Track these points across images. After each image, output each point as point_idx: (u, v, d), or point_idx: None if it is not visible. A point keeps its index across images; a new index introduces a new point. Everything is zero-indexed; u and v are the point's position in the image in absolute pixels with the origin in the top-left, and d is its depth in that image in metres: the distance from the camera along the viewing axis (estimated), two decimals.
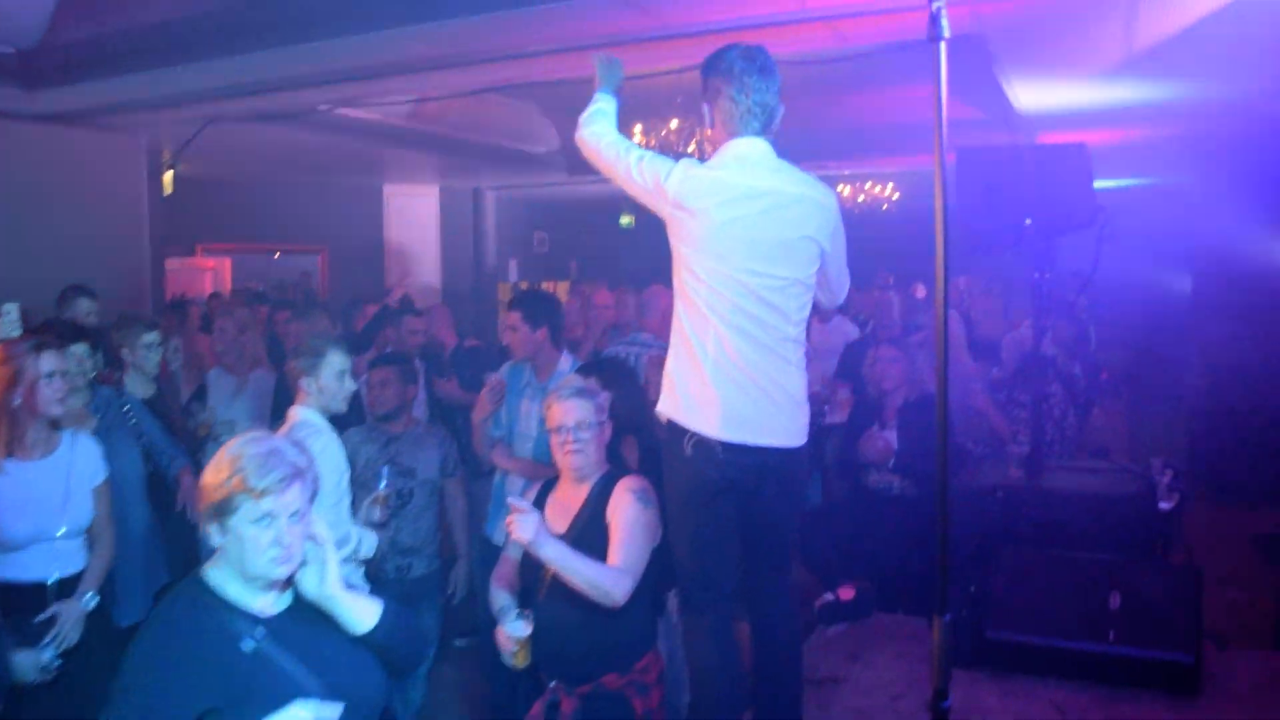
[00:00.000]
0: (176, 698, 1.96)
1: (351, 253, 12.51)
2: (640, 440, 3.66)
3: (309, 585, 2.19)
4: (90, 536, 3.52)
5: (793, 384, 3.05)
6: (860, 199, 12.55)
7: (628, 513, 3.07)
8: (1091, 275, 4.61)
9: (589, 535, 3.10)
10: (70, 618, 3.35)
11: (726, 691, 3.09)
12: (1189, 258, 9.81)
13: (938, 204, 2.30)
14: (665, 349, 4.79)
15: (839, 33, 5.17)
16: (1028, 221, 4.44)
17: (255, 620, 2.13)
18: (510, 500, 2.99)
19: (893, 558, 4.41)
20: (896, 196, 12.80)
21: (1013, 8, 4.86)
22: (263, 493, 2.08)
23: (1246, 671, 3.60)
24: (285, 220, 12.02)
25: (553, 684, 3.07)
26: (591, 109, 3.23)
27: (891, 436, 4.82)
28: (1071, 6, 5.03)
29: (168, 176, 9.21)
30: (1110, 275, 4.75)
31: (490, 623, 3.18)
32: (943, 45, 2.26)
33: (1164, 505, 3.99)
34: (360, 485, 3.89)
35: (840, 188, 12.22)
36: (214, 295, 9.93)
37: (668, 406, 3.04)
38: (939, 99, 2.27)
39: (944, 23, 2.24)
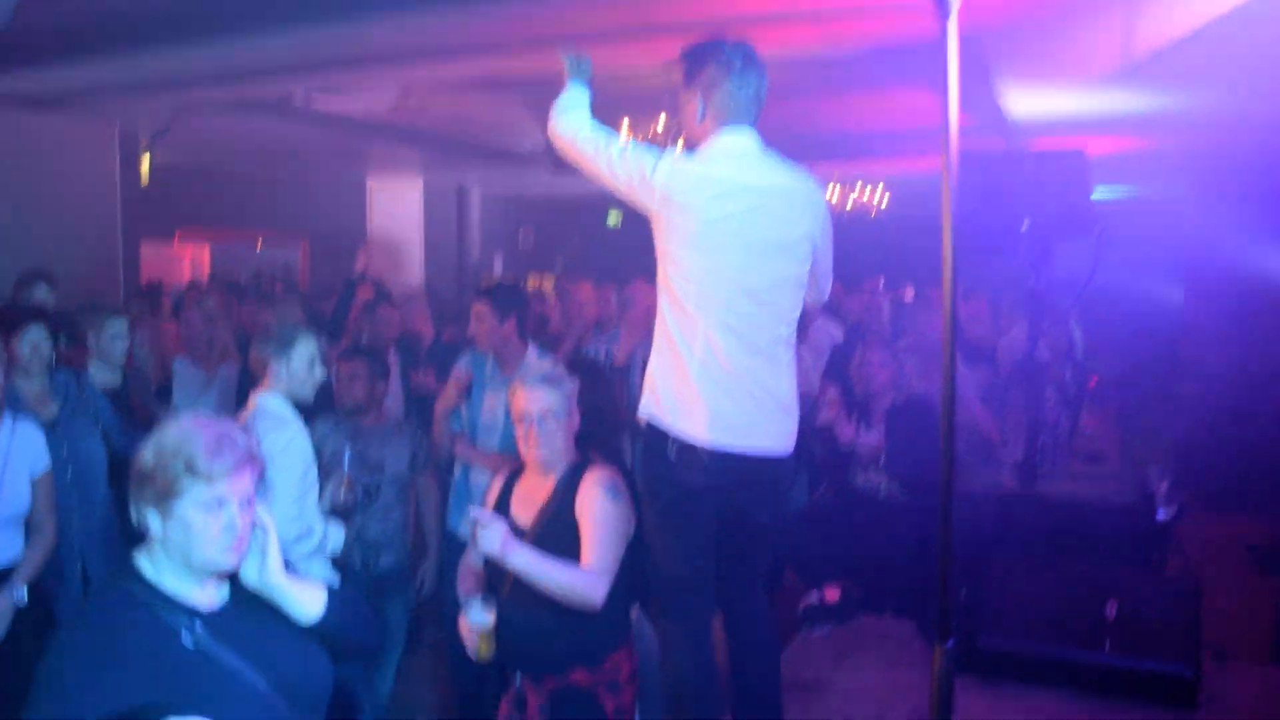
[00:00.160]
0: (102, 693, 1.80)
1: (333, 244, 12.33)
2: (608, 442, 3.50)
3: (250, 573, 2.05)
4: (28, 528, 3.36)
5: (782, 388, 2.93)
6: (850, 203, 12.45)
7: (598, 508, 2.91)
8: (1088, 282, 4.54)
9: (557, 529, 2.94)
10: None
11: (705, 698, 2.96)
12: (1181, 267, 9.77)
13: (945, 197, 2.17)
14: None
15: (829, 32, 5.06)
16: (1024, 225, 4.37)
17: (194, 613, 1.98)
18: (472, 511, 2.82)
19: (879, 559, 4.31)
20: (886, 200, 12.71)
21: (1008, 10, 4.76)
22: (214, 476, 1.94)
23: (1245, 685, 3.51)
24: (266, 210, 11.86)
25: (519, 680, 2.97)
26: (564, 99, 3.08)
27: (875, 436, 4.73)
28: (1069, 10, 4.93)
29: (145, 164, 9.03)
30: (1102, 282, 4.68)
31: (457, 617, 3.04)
32: (953, 20, 2.14)
33: (1161, 514, 3.89)
34: (326, 476, 3.74)
35: (830, 189, 12.11)
36: (191, 284, 9.75)
37: (649, 408, 2.90)
38: (949, 81, 2.14)
39: None
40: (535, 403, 2.97)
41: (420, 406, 5.71)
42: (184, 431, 1.99)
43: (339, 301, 6.39)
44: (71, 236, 6.91)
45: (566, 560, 2.81)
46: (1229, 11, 4.42)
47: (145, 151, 8.54)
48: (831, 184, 11.88)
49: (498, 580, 2.97)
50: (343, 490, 3.55)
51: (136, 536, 2.03)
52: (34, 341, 3.85)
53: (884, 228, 12.45)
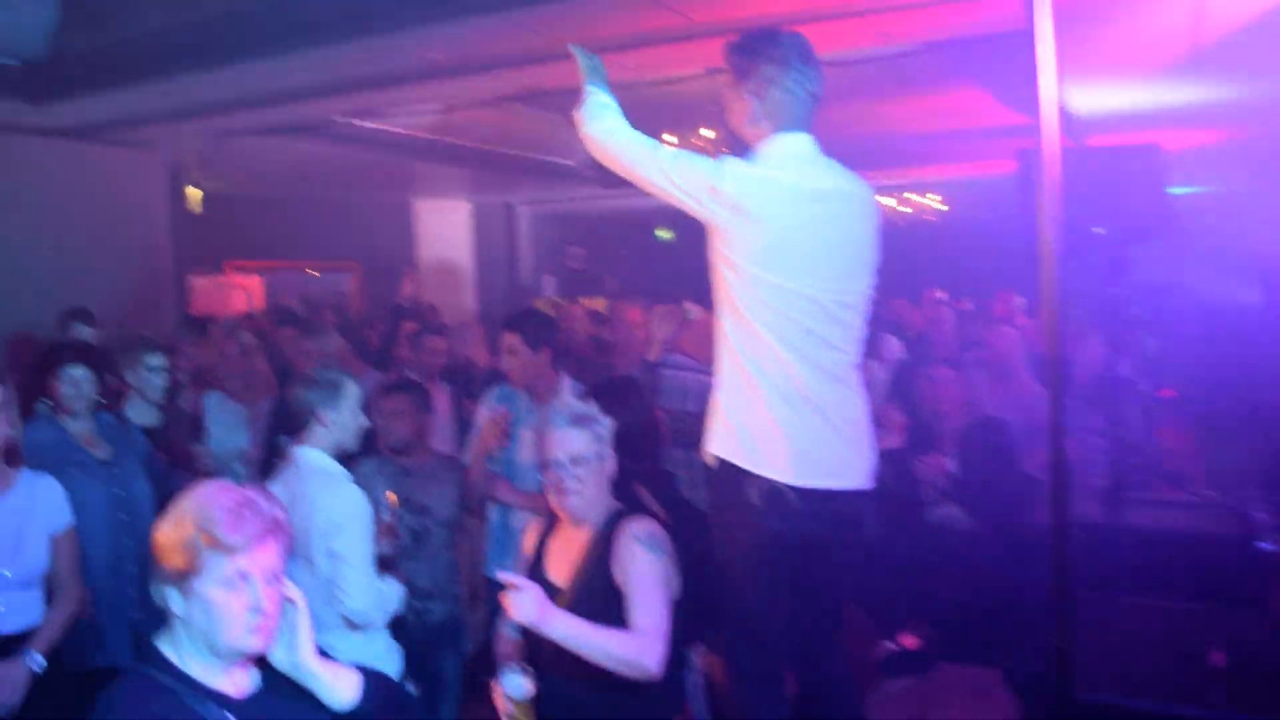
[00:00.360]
0: None
1: (384, 269, 12.27)
2: (654, 476, 3.25)
3: (279, 655, 1.91)
4: (49, 588, 3.19)
5: (861, 415, 2.70)
6: (905, 210, 12.13)
7: (639, 566, 2.62)
8: (1166, 286, 4.24)
9: (595, 589, 2.66)
10: (8, 682, 2.98)
11: None
12: (1259, 269, 9.28)
13: (1042, 201, 1.93)
14: (708, 373, 4.46)
15: (881, 31, 4.81)
16: (1098, 230, 4.09)
17: (223, 701, 1.84)
18: (501, 575, 2.54)
19: (958, 600, 4.01)
20: (940, 206, 12.36)
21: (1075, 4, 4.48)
22: (237, 549, 1.78)
23: None
24: (317, 237, 11.81)
25: None
26: (590, 102, 2.79)
27: (949, 463, 4.43)
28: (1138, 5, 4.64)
29: (195, 194, 9.03)
30: (1173, 284, 4.38)
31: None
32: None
33: (1265, 546, 3.56)
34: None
35: (882, 198, 11.80)
36: (248, 316, 9.71)
37: (722, 445, 2.64)
38: (1042, 71, 1.90)
39: None
40: (563, 447, 2.70)
41: None
42: (203, 501, 1.84)
43: (385, 329, 6.25)
44: (120, 268, 6.92)
45: (611, 624, 2.53)
46: None
47: (194, 182, 8.53)
48: (884, 192, 11.60)
49: (537, 647, 2.68)
50: (384, 541, 3.26)
51: None
52: (75, 379, 3.72)
53: (938, 235, 12.07)
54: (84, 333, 5.24)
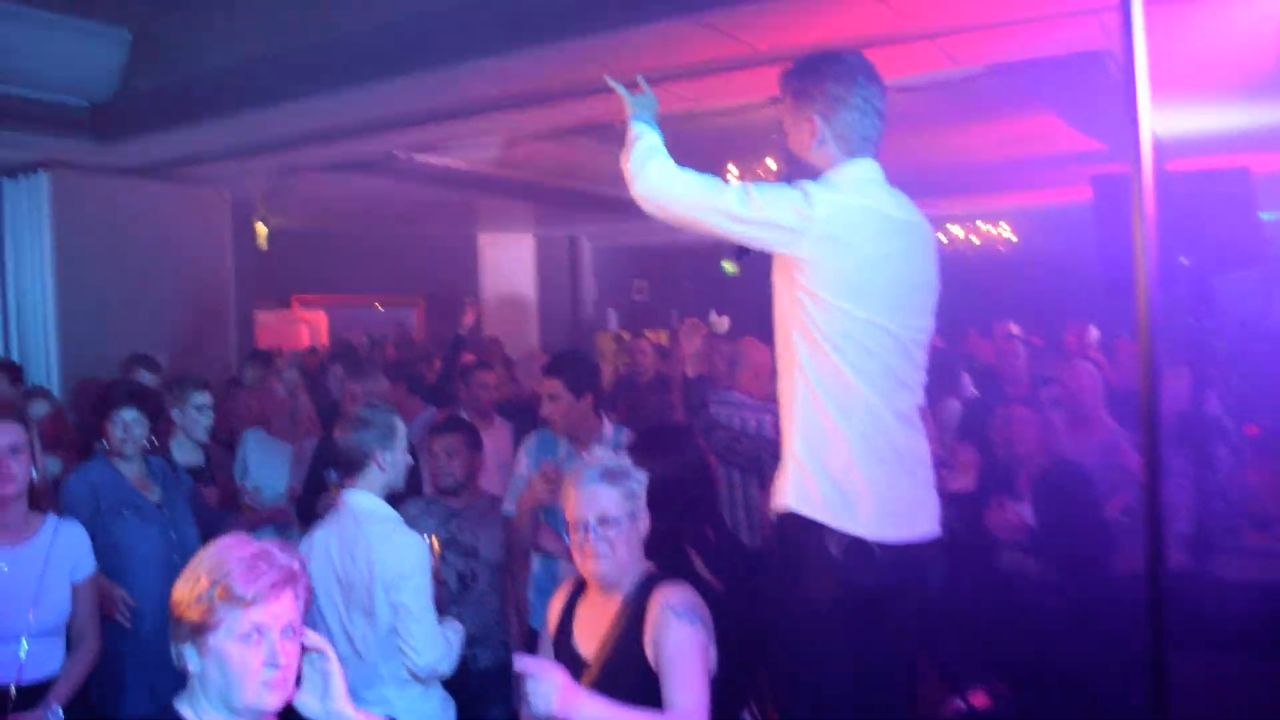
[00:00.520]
0: None
1: (448, 303, 12.33)
2: (703, 534, 3.01)
3: (310, 705, 1.86)
4: (70, 637, 3.11)
5: (927, 458, 2.53)
6: (971, 240, 11.84)
7: (675, 639, 2.35)
8: (1256, 317, 3.99)
9: (626, 664, 2.41)
10: None
11: None
12: None
13: (1137, 231, 1.76)
14: (769, 410, 4.27)
15: (949, 54, 4.63)
16: (1183, 260, 3.88)
17: None
18: (517, 662, 2.27)
19: (1031, 655, 3.77)
20: (1008, 236, 12.04)
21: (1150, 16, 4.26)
22: (250, 601, 1.73)
23: None
24: (381, 271, 11.93)
25: None
26: (639, 147, 2.53)
27: (1025, 510, 4.18)
28: (1218, 13, 4.39)
29: (262, 230, 9.15)
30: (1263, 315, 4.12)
31: None
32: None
33: None
34: None
35: (949, 228, 11.56)
36: (311, 350, 9.79)
37: (799, 500, 2.43)
38: (1136, 90, 1.74)
39: None
40: (591, 506, 2.45)
41: None
42: (218, 554, 1.79)
43: (445, 363, 6.20)
44: (185, 303, 7.00)
45: (646, 708, 2.29)
46: None
47: (259, 217, 8.64)
48: (952, 221, 11.36)
49: None
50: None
51: None
52: (125, 422, 3.72)
53: (1008, 266, 11.73)
54: (145, 376, 5.24)
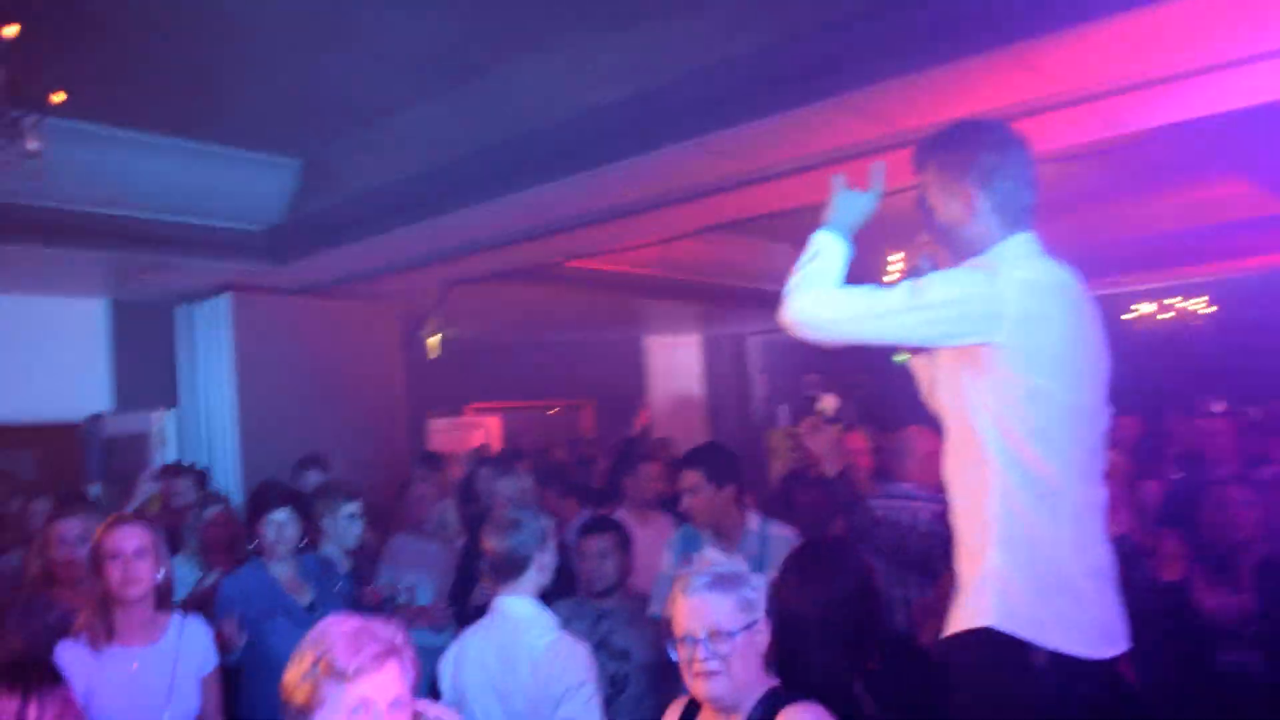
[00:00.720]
0: None
1: (617, 405, 12.43)
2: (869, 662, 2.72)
3: None
4: None
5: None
6: (1167, 315, 11.08)
7: None
8: None
9: None
10: None
11: None
12: None
13: None
14: (939, 501, 3.98)
15: (1110, 119, 4.32)
16: None
17: None
18: None
19: None
20: (1210, 310, 11.20)
21: None
22: (354, 674, 1.71)
23: None
24: (551, 376, 12.12)
25: None
26: (808, 268, 2.29)
27: (1244, 601, 3.74)
28: None
29: (433, 340, 9.47)
30: None
31: None
32: None
33: None
34: None
35: (1138, 306, 10.89)
36: (480, 448, 9.98)
37: (1000, 614, 2.14)
38: None
39: None
40: (699, 617, 2.18)
41: None
42: (322, 632, 1.79)
43: (615, 463, 6.17)
44: (358, 411, 7.25)
45: None
46: None
47: (430, 329, 8.94)
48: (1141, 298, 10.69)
49: None
50: None
51: None
52: (278, 523, 3.82)
53: (1205, 339, 10.90)
54: (315, 476, 5.44)
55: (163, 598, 3.16)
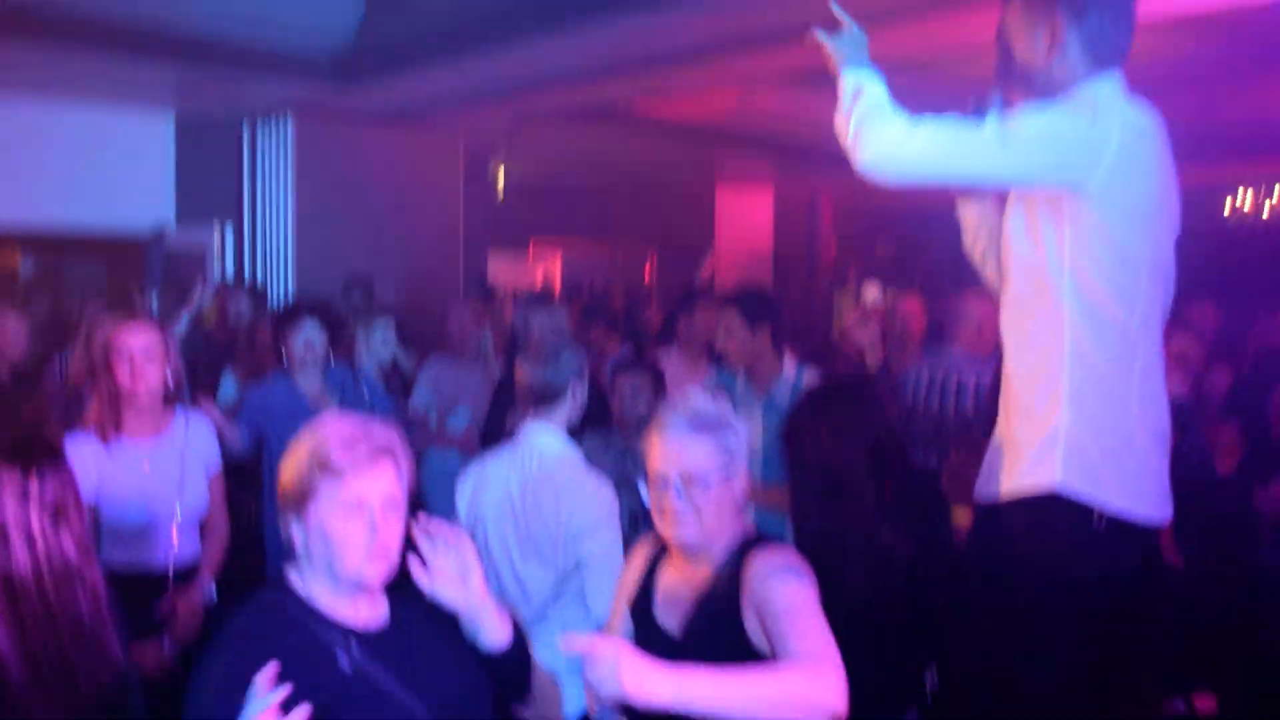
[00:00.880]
0: None
1: (681, 254, 12.31)
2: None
3: (453, 592, 1.84)
4: (204, 526, 3.29)
5: None
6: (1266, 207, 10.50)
7: (783, 595, 1.92)
8: None
9: (720, 641, 1.99)
10: (190, 609, 3.13)
11: None
12: None
13: None
14: (988, 368, 3.86)
15: None
16: None
17: (350, 633, 1.80)
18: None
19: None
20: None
21: None
22: (348, 471, 1.75)
23: None
24: (617, 219, 12.02)
25: None
26: (859, 106, 2.10)
27: None
28: None
29: (499, 177, 9.39)
30: None
31: None
32: None
33: None
34: None
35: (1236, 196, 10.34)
36: (543, 288, 10.01)
37: (1067, 474, 2.09)
38: None
39: None
40: (675, 461, 2.03)
41: None
42: (316, 429, 1.83)
43: (675, 307, 6.19)
44: (416, 242, 7.24)
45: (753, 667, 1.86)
46: None
47: (496, 164, 8.85)
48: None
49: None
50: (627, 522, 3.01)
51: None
52: (307, 337, 3.87)
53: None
54: (358, 298, 5.47)
55: (170, 396, 3.23)
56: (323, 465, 1.75)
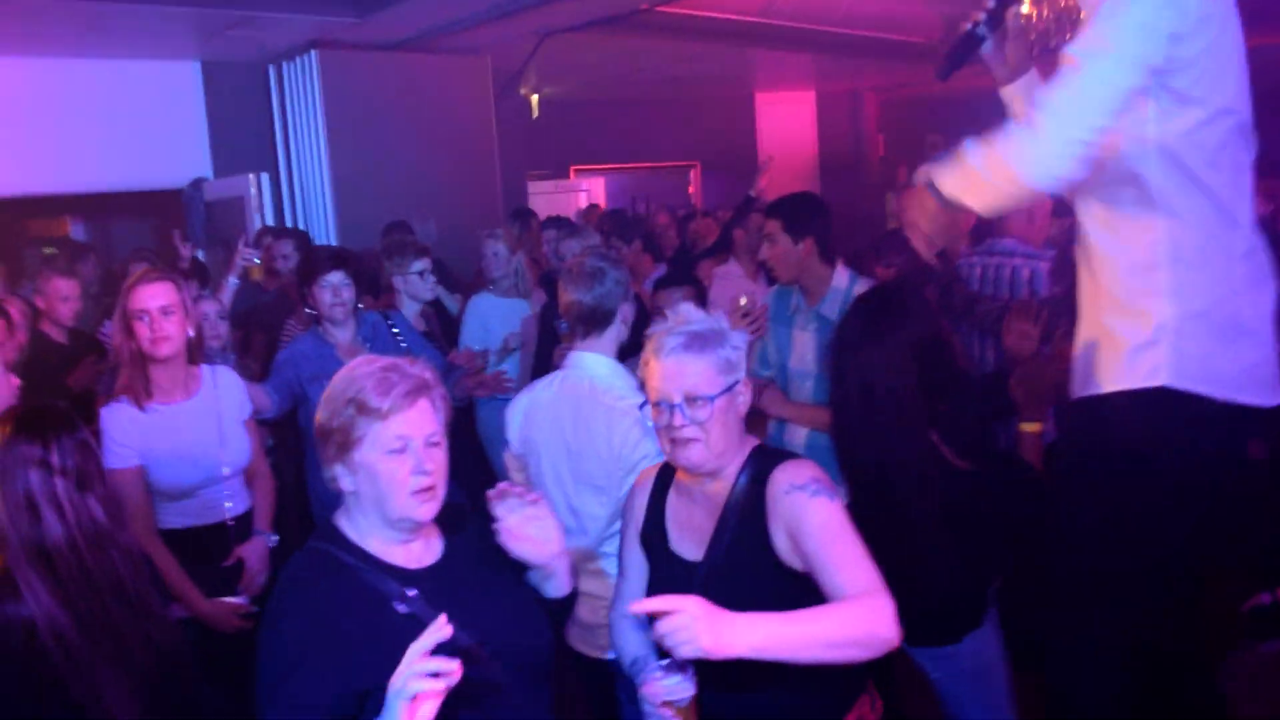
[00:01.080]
0: (335, 686, 1.66)
1: (723, 167, 12.12)
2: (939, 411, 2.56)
3: (532, 552, 1.90)
4: (246, 474, 3.29)
5: None
6: None
7: (819, 519, 1.91)
8: None
9: (747, 562, 1.97)
10: (257, 558, 3.16)
11: None
12: None
13: None
14: (1042, 258, 3.69)
15: None
16: None
17: (404, 576, 1.82)
18: (633, 609, 1.79)
19: None
20: None
21: None
22: (389, 413, 1.76)
23: None
24: (657, 137, 11.85)
25: None
26: (973, 159, 2.06)
27: None
28: None
29: (533, 99, 9.20)
30: None
31: None
32: None
33: None
34: None
35: None
36: (591, 207, 9.88)
37: (1166, 371, 2.03)
38: None
39: None
40: (675, 379, 1.97)
41: None
42: (350, 374, 1.83)
43: (729, 223, 6.16)
44: (450, 170, 7.11)
45: (786, 605, 1.82)
46: None
47: (530, 84, 8.65)
48: None
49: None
50: None
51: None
52: (334, 285, 3.75)
53: None
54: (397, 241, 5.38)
55: (194, 352, 3.18)
56: (363, 409, 1.76)
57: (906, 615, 1.81)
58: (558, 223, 5.96)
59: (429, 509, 1.81)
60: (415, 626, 1.72)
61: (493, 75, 7.56)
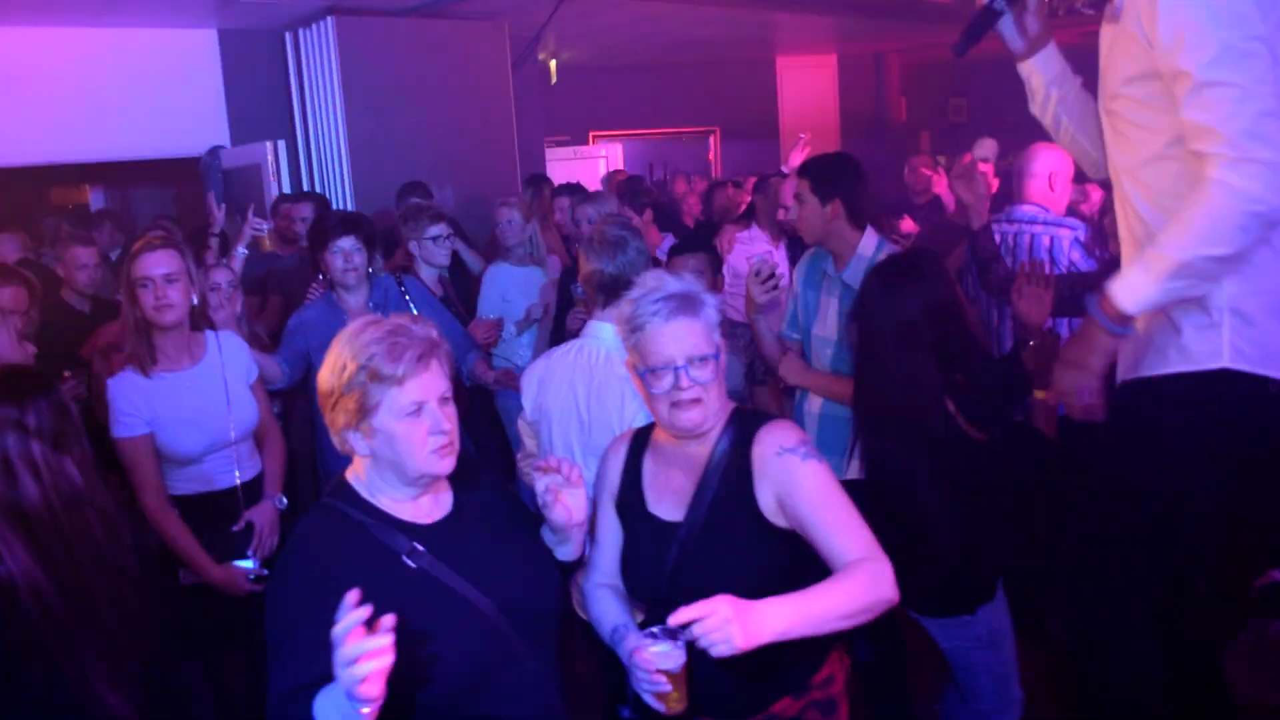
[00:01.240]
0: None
1: (744, 132, 11.99)
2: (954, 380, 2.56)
3: (561, 519, 1.94)
4: (256, 438, 3.30)
5: None
6: None
7: (812, 482, 1.96)
8: None
9: (734, 522, 2.00)
10: (266, 522, 3.18)
11: None
12: None
13: None
14: (1063, 226, 3.64)
15: None
16: None
17: (414, 531, 1.86)
18: (676, 619, 1.74)
19: None
20: None
21: None
22: (403, 378, 1.79)
23: None
24: (676, 103, 11.76)
25: None
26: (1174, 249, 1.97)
27: None
28: None
29: (551, 64, 9.13)
30: None
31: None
32: None
33: None
34: None
35: None
36: (614, 172, 9.81)
37: (1228, 352, 2.02)
38: None
39: None
40: (678, 342, 1.98)
41: None
42: (355, 339, 1.83)
43: (757, 183, 6.14)
44: (467, 136, 7.07)
45: (765, 567, 1.95)
46: None
47: (548, 49, 8.57)
48: None
49: (656, 582, 2.08)
50: None
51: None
52: (345, 251, 3.72)
53: None
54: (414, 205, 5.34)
55: (197, 320, 3.20)
56: (376, 376, 1.78)
57: (920, 586, 1.83)
58: (571, 189, 5.94)
59: (448, 463, 1.85)
60: (424, 580, 1.81)
61: (510, 41, 7.48)
